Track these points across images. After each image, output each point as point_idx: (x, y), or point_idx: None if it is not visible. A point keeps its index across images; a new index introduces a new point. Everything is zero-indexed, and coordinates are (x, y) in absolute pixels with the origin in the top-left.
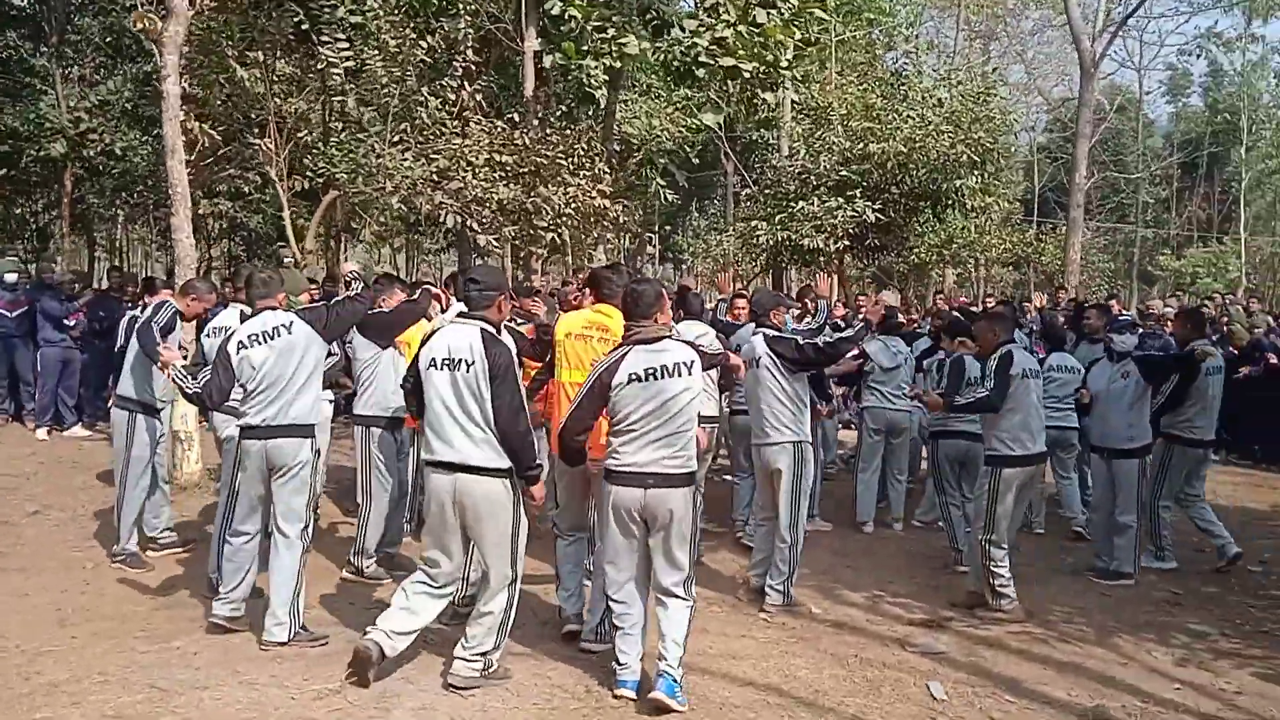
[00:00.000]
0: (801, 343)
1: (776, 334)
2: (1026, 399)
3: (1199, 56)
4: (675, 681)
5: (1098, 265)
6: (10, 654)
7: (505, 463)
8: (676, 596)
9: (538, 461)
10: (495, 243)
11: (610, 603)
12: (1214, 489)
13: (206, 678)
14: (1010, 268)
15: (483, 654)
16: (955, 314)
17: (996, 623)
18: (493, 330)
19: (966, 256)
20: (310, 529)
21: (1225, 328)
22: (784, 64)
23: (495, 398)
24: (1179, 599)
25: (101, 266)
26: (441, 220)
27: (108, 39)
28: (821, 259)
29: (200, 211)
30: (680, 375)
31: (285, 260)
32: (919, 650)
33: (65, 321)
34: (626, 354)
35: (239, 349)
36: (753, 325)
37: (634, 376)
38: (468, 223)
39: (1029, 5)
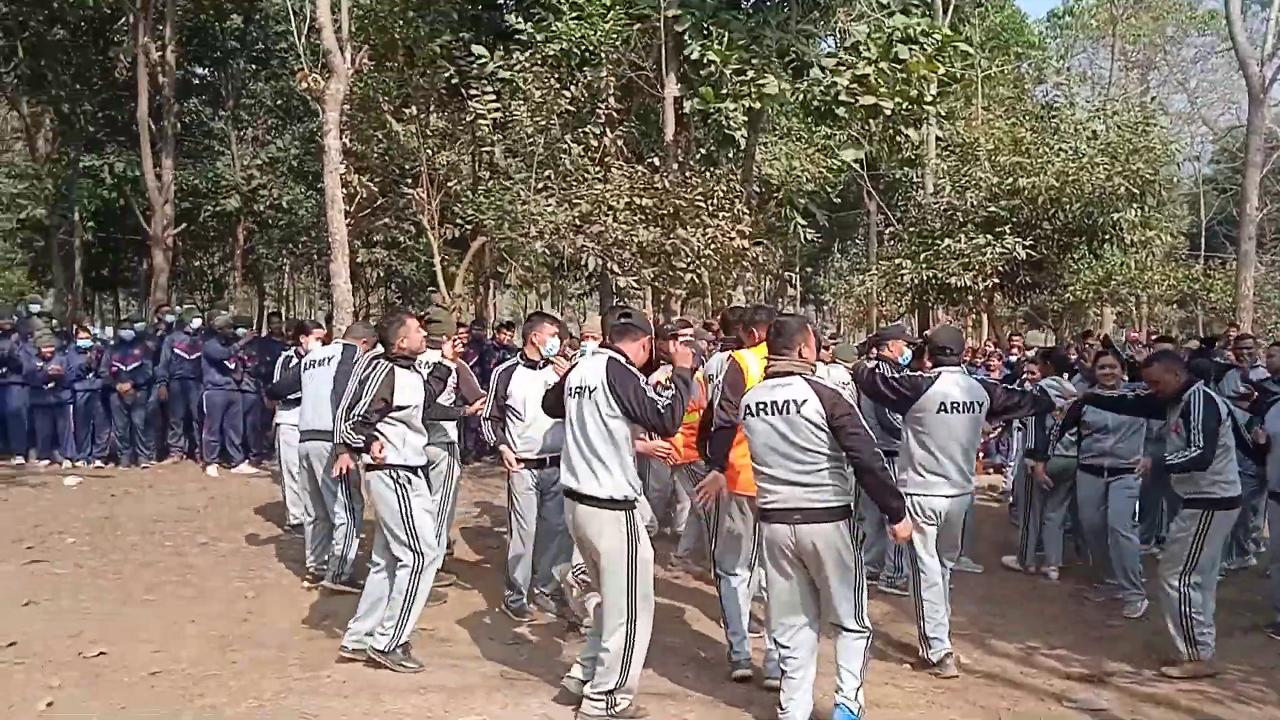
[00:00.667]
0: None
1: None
2: (1229, 439)
3: None
4: (852, 712)
5: (1273, 301)
6: (176, 676)
7: (618, 494)
8: (847, 629)
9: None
10: (635, 284)
11: (778, 648)
12: None
13: (353, 706)
14: (1175, 305)
15: (606, 693)
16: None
17: (1165, 680)
18: (620, 360)
19: (1126, 294)
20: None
21: None
22: (927, 100)
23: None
24: None
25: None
26: (583, 263)
27: (278, 101)
28: (970, 298)
29: (358, 260)
30: (789, 413)
31: (435, 304)
32: (1078, 706)
33: (226, 364)
34: (756, 387)
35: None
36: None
37: (749, 409)
38: (608, 265)
39: (1189, 32)
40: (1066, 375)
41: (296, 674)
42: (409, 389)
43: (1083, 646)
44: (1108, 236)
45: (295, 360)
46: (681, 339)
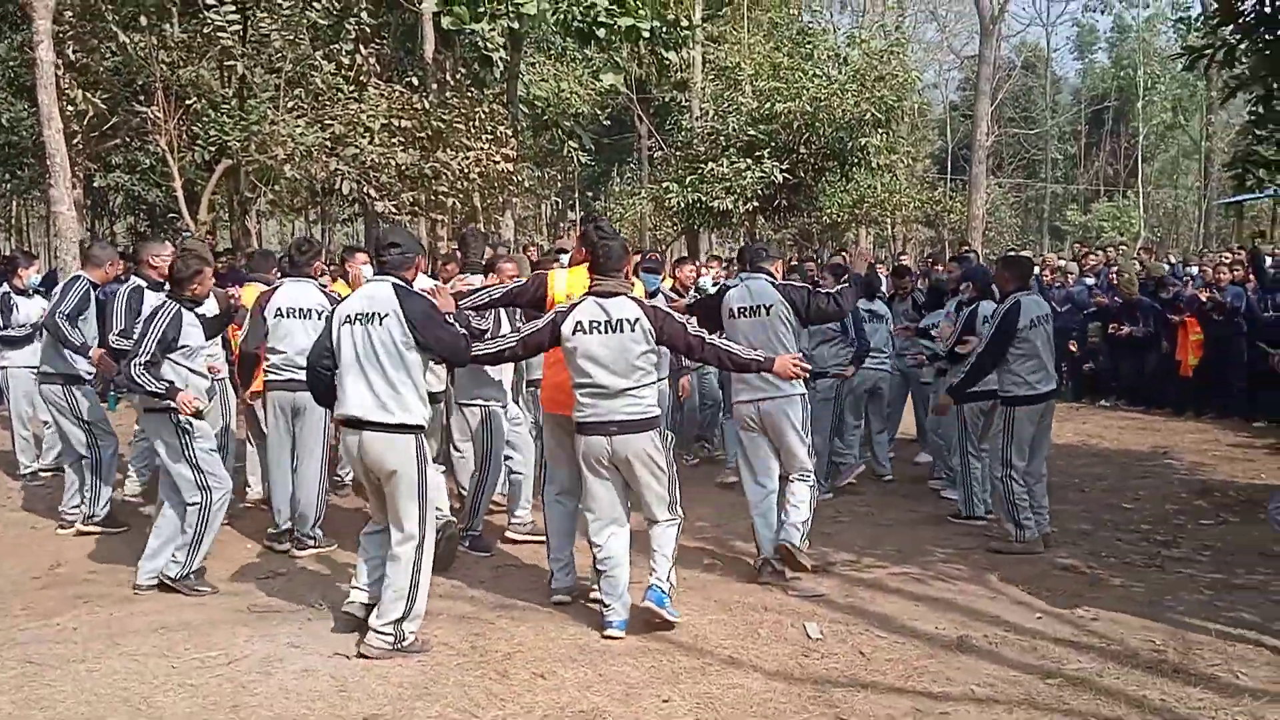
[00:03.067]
0: (818, 292)
1: (788, 283)
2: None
3: (1104, 12)
4: (664, 593)
5: (1006, 221)
6: None
7: (411, 418)
8: (662, 521)
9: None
10: (394, 209)
11: (593, 549)
12: (1100, 431)
13: (85, 651)
14: (924, 225)
15: (393, 623)
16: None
17: (880, 566)
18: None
19: (878, 215)
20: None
21: (1116, 276)
22: (684, 24)
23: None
24: (1052, 537)
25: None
26: (337, 187)
27: None
28: (733, 220)
29: (95, 184)
30: (625, 330)
31: (185, 235)
32: (801, 594)
33: None
34: (580, 304)
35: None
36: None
37: (580, 326)
38: (365, 189)
39: None
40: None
41: (24, 623)
42: (194, 331)
43: (814, 541)
44: (857, 160)
45: (12, 297)
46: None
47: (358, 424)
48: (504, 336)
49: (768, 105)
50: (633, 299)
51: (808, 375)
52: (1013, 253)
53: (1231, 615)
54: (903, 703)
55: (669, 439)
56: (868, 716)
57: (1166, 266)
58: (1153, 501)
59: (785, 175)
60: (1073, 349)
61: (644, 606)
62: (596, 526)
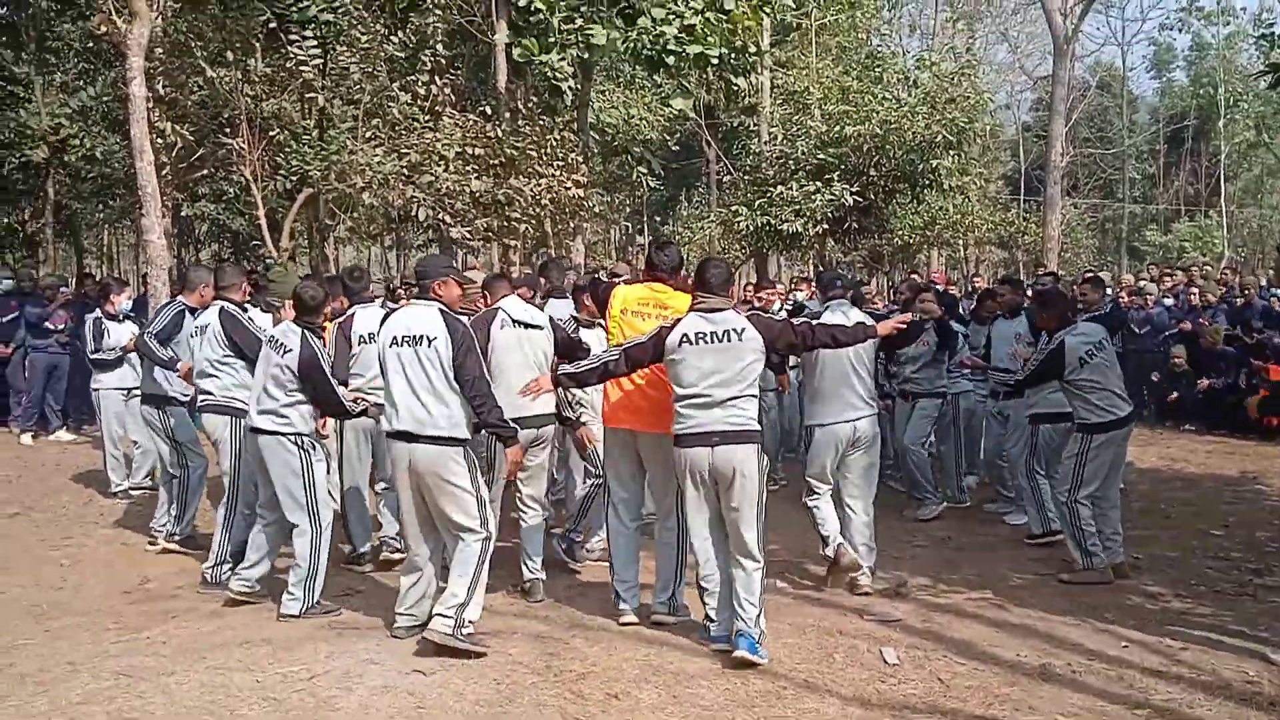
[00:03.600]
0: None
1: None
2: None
3: (1181, 30)
4: (756, 640)
5: (1083, 242)
6: None
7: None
8: (751, 558)
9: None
10: (469, 235)
11: (700, 566)
12: (1185, 456)
13: (173, 664)
14: (996, 247)
15: (455, 607)
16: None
17: (957, 591)
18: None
19: (950, 237)
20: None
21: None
22: (752, 50)
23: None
24: (1138, 562)
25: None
26: (414, 214)
27: (87, 44)
28: (802, 243)
29: (182, 214)
30: (733, 340)
31: (266, 261)
32: (876, 618)
33: (46, 325)
34: (685, 319)
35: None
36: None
37: (686, 339)
38: (440, 215)
39: None
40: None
41: (114, 637)
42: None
43: (888, 565)
44: (928, 182)
45: (104, 322)
46: None
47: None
48: (605, 351)
49: (836, 129)
50: (738, 313)
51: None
52: (1047, 282)
53: None
54: None
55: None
56: None
57: (1260, 283)
58: (1242, 528)
59: (855, 198)
60: (1155, 378)
61: (738, 657)
62: (701, 543)
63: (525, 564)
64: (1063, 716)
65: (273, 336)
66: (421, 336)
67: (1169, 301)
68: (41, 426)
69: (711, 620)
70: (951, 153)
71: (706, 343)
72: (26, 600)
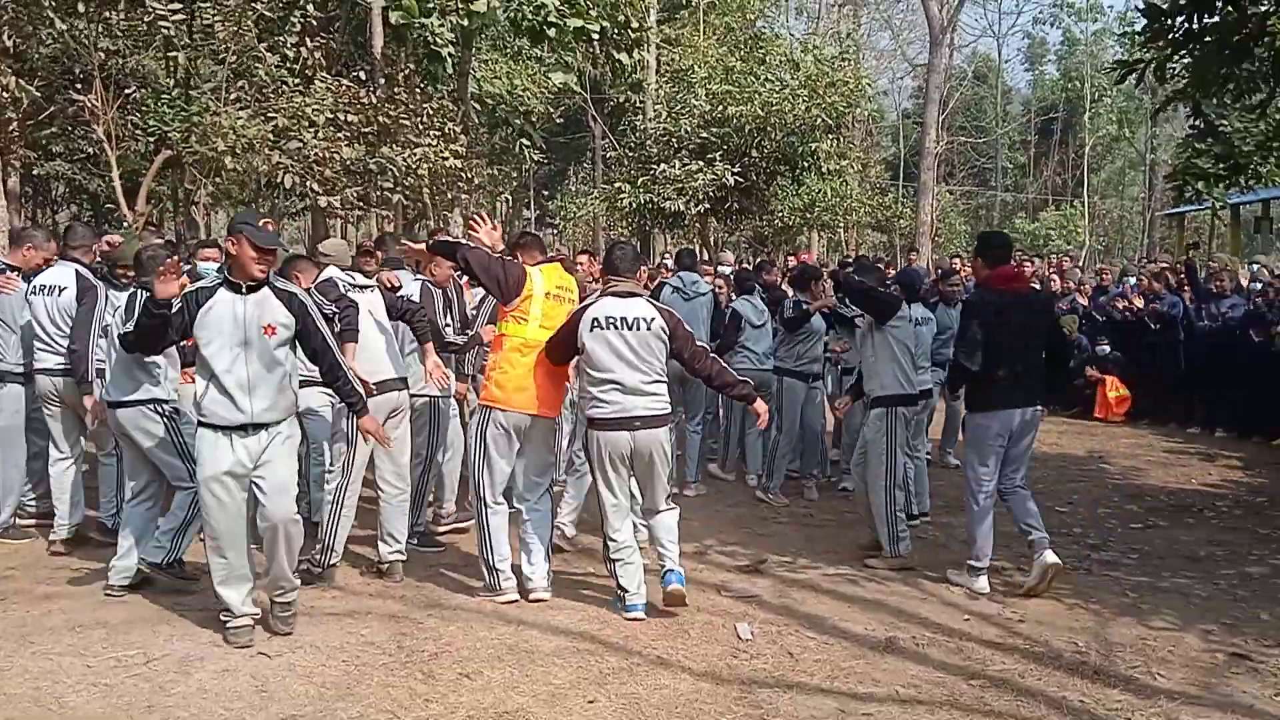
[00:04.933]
0: None
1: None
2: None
3: (1054, 25)
4: (681, 572)
5: (956, 228)
6: None
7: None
8: (664, 510)
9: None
10: (337, 205)
11: (609, 542)
12: (1040, 436)
13: None
14: (876, 230)
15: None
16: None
17: (813, 567)
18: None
19: (829, 220)
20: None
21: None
22: (635, 26)
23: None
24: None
25: None
26: (279, 181)
27: None
28: (685, 222)
29: (37, 173)
30: (642, 329)
31: (124, 225)
32: (734, 595)
33: None
34: (595, 303)
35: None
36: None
37: (597, 323)
38: (308, 184)
39: None
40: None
41: None
42: None
43: (751, 542)
44: (808, 165)
45: None
46: None
47: None
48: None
49: (720, 108)
50: (649, 300)
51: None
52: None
53: (1154, 617)
54: (828, 703)
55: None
56: (792, 717)
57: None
58: (1085, 505)
59: (737, 178)
60: None
61: (672, 590)
62: (616, 517)
63: (384, 542)
64: (903, 687)
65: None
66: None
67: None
68: None
69: (626, 591)
70: (830, 136)
71: (618, 329)
72: None
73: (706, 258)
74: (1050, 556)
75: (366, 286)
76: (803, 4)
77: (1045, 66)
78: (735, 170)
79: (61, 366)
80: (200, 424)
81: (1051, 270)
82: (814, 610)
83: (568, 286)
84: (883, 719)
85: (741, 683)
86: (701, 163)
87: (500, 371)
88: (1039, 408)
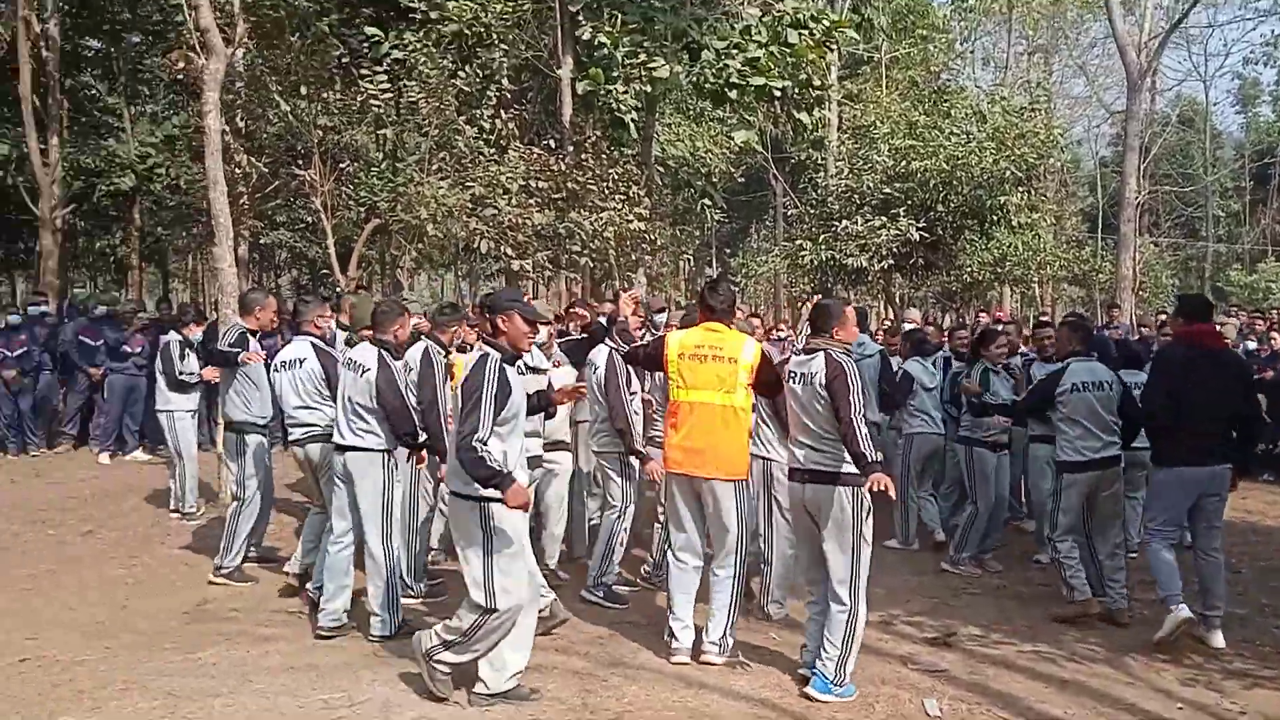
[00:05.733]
0: None
1: None
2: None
3: (1267, 65)
4: (827, 679)
5: (1162, 281)
6: (47, 664)
7: None
8: (836, 599)
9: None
10: (528, 268)
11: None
12: (1262, 508)
13: (220, 686)
14: (1075, 285)
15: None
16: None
17: (1008, 642)
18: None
19: (1021, 275)
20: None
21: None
22: (817, 84)
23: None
24: (1133, 615)
25: (179, 296)
26: (476, 246)
27: (176, 79)
28: (868, 279)
29: (261, 241)
30: (808, 385)
31: (337, 290)
32: (921, 668)
33: (125, 349)
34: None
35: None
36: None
37: (790, 375)
38: (502, 248)
39: (1087, 18)
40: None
41: (169, 658)
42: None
43: (939, 613)
44: (997, 219)
45: (179, 347)
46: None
47: None
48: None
49: (904, 163)
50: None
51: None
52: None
53: None
54: None
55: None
56: None
57: None
58: None
59: (922, 233)
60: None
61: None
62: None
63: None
64: None
65: (350, 359)
66: None
67: (1252, 345)
68: (119, 447)
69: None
70: (1020, 189)
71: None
72: (91, 618)
73: (892, 315)
74: (1185, 611)
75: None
76: (990, 54)
77: (1259, 108)
78: (920, 225)
79: (308, 435)
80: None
81: (1275, 327)
82: (1008, 688)
83: (712, 344)
84: None
85: None
86: (885, 218)
87: (666, 435)
88: (1228, 466)
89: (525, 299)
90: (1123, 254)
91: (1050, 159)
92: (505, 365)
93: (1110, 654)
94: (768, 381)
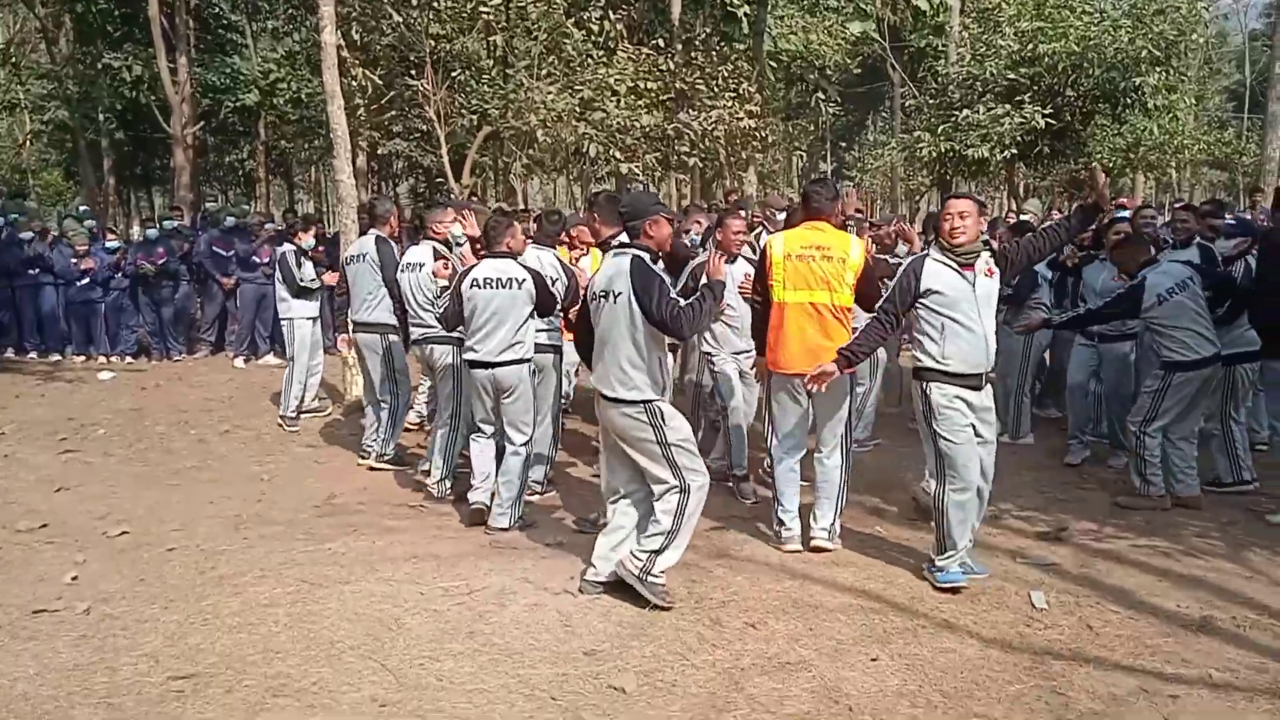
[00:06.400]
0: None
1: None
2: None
3: None
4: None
5: None
6: (191, 552)
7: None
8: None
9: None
10: (636, 170)
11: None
12: None
13: (349, 574)
14: (1218, 169)
15: (650, 553)
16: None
17: (1121, 537)
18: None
19: (1156, 160)
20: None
21: None
22: None
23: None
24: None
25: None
26: (585, 150)
27: None
28: (990, 169)
29: (381, 152)
30: None
31: (452, 196)
32: (1030, 562)
33: (254, 259)
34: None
35: (471, 287)
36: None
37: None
38: (611, 151)
39: None
40: None
41: (302, 548)
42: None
43: (1052, 508)
44: (1130, 102)
45: (294, 256)
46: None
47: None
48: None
49: (1030, 47)
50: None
51: None
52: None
53: None
54: (1129, 681)
55: None
56: (1088, 693)
57: None
58: None
59: (1048, 120)
60: None
61: None
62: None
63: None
64: (1216, 671)
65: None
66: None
67: None
68: (252, 352)
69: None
70: (1158, 69)
71: None
72: (231, 511)
73: (1013, 206)
74: None
75: None
76: None
77: None
78: (1046, 112)
79: (426, 335)
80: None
81: None
82: (1119, 582)
83: (818, 244)
84: (1192, 703)
85: (1033, 653)
86: (1009, 105)
87: (775, 337)
88: None
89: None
90: (1270, 134)
91: (1193, 34)
92: (656, 261)
93: (1230, 549)
94: (870, 281)
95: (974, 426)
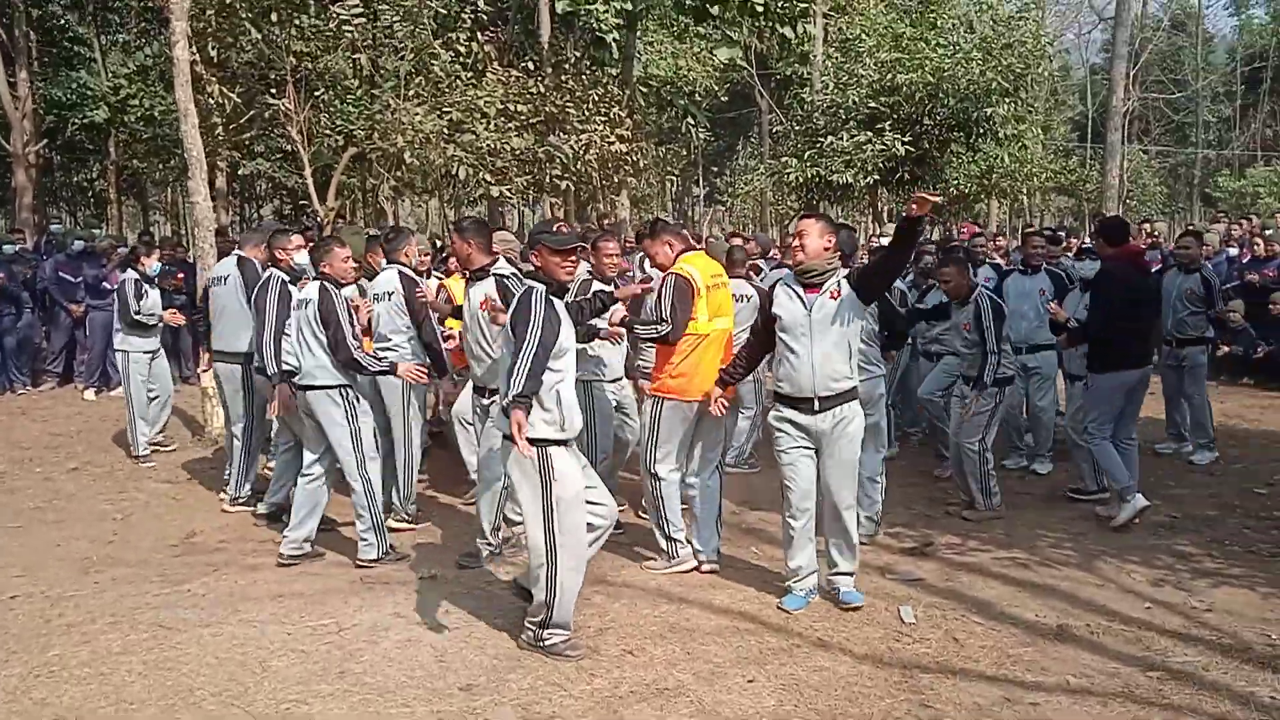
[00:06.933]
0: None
1: None
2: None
3: None
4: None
5: (1150, 189)
6: (36, 599)
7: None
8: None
9: None
10: (507, 193)
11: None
12: (1240, 411)
13: (209, 616)
14: (1064, 195)
15: (538, 624)
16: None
17: (984, 550)
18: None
19: (1008, 187)
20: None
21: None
22: None
23: None
24: (1175, 522)
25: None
26: (454, 173)
27: (147, 6)
28: (854, 194)
29: (242, 172)
30: None
31: (313, 218)
32: (898, 578)
33: (104, 285)
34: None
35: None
36: None
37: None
38: (481, 174)
39: None
40: None
41: (157, 590)
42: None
43: (918, 523)
44: (983, 131)
45: (143, 283)
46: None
47: None
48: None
49: (889, 77)
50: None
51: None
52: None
53: None
54: (992, 691)
55: None
56: (954, 704)
57: None
58: None
59: (908, 147)
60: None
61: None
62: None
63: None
64: (1074, 677)
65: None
66: None
67: (1233, 251)
68: (103, 383)
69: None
70: (1008, 100)
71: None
72: (79, 553)
73: (877, 230)
74: (1142, 500)
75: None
76: None
77: (1254, 10)
78: (906, 140)
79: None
80: None
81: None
82: (982, 595)
83: (716, 273)
84: (1051, 709)
85: (903, 667)
86: (870, 133)
87: (687, 365)
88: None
89: (555, 228)
90: (1110, 163)
91: (1039, 68)
92: (552, 298)
93: (1082, 558)
94: None
95: (805, 448)
